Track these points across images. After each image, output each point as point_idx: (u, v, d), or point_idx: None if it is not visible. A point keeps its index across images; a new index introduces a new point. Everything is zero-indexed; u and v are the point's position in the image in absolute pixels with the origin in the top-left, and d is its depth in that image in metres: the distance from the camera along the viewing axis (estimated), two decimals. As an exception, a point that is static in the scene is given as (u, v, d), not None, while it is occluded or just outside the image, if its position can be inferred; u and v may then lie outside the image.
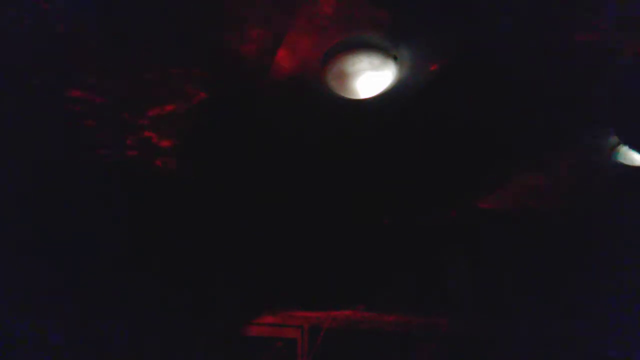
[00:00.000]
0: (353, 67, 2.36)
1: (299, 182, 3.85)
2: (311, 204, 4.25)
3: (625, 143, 2.62)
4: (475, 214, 4.43)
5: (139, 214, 3.94)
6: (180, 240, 4.04)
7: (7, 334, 3.20)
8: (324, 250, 4.49)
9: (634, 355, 4.21)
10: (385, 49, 2.32)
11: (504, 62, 2.44)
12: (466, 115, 2.93)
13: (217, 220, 4.25)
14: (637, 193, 3.90)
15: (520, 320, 4.66)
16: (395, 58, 2.37)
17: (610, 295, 4.48)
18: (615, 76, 2.51)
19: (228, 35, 2.23)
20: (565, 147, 3.28)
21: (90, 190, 3.73)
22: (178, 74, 2.51)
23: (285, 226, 4.48)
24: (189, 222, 4.15)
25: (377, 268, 4.59)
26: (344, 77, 2.43)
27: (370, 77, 2.41)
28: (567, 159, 3.42)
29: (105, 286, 3.61)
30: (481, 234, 4.81)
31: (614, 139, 2.80)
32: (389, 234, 4.73)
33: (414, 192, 4.04)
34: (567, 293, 4.67)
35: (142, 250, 3.85)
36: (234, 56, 2.38)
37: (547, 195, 4.02)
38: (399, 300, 4.45)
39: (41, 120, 2.91)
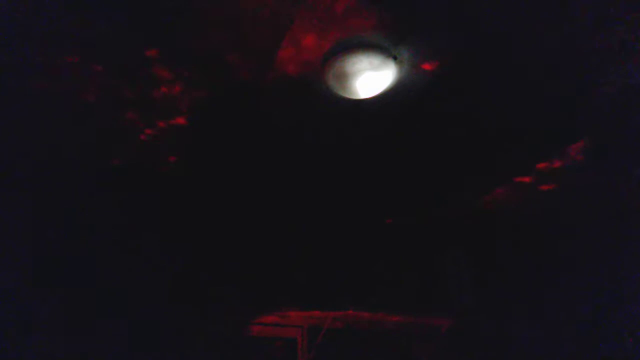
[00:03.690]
0: (353, 67, 2.36)
1: (299, 181, 3.86)
2: (311, 203, 4.26)
3: None
4: (475, 214, 4.43)
5: (140, 213, 3.95)
6: (180, 240, 4.05)
7: (7, 334, 3.20)
8: (324, 250, 4.49)
9: (634, 355, 4.21)
10: (385, 49, 2.32)
11: (504, 62, 2.44)
12: (466, 115, 2.93)
13: (218, 220, 4.26)
14: (636, 193, 3.91)
15: (521, 320, 4.67)
16: (395, 58, 2.37)
17: (610, 295, 4.48)
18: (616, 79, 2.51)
19: (229, 34, 2.23)
20: (564, 148, 3.28)
21: (90, 189, 3.73)
22: (179, 74, 2.51)
23: (285, 226, 4.48)
24: (190, 222, 4.15)
25: (377, 268, 4.59)
26: (344, 77, 2.43)
27: (370, 77, 2.42)
28: (567, 159, 3.42)
29: (106, 286, 3.61)
30: (481, 234, 4.82)
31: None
32: (389, 234, 4.73)
33: (413, 192, 4.04)
34: (567, 293, 4.67)
35: (142, 250, 3.85)
36: (235, 56, 2.38)
37: (547, 196, 4.02)
38: (399, 300, 4.45)
39: (42, 120, 2.91)
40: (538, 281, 4.80)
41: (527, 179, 3.76)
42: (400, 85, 2.61)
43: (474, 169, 3.64)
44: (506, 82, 2.60)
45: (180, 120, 2.96)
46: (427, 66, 2.46)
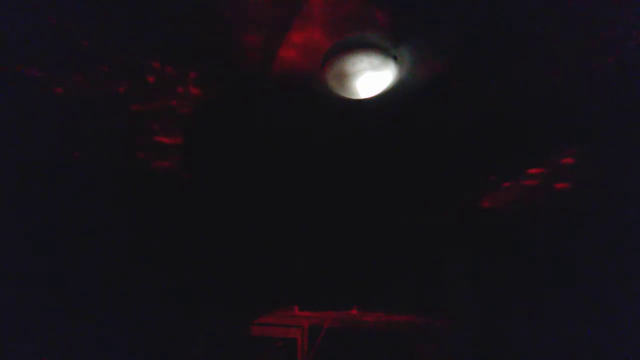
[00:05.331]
0: (353, 67, 2.36)
1: (299, 182, 3.85)
2: (311, 204, 4.25)
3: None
4: (475, 214, 4.43)
5: (140, 214, 3.94)
6: (180, 240, 4.04)
7: (8, 334, 3.20)
8: (324, 250, 4.49)
9: (634, 356, 4.21)
10: (385, 49, 2.32)
11: (504, 62, 2.44)
12: (466, 116, 2.93)
13: (217, 220, 4.25)
14: (636, 194, 3.91)
15: (520, 320, 4.67)
16: (395, 58, 2.37)
17: (610, 295, 4.48)
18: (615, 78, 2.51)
19: (229, 34, 2.23)
20: (564, 148, 3.28)
21: (90, 189, 3.73)
22: (179, 74, 2.51)
23: (286, 226, 4.48)
24: (190, 222, 4.15)
25: (377, 268, 4.59)
26: (344, 77, 2.43)
27: (370, 77, 2.42)
28: (568, 159, 3.42)
29: (106, 286, 3.61)
30: (481, 234, 4.81)
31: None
32: (389, 234, 4.73)
33: (414, 192, 4.04)
34: (567, 293, 4.67)
35: (142, 250, 3.85)
36: (235, 56, 2.38)
37: (547, 196, 4.02)
38: (398, 300, 4.45)
39: (41, 119, 2.91)
40: (538, 281, 4.80)
41: (527, 179, 3.76)
42: (400, 85, 2.61)
43: (474, 169, 3.63)
44: (507, 82, 2.60)
45: (179, 120, 2.96)
46: (427, 66, 2.46)
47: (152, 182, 3.74)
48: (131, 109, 2.81)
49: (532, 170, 3.61)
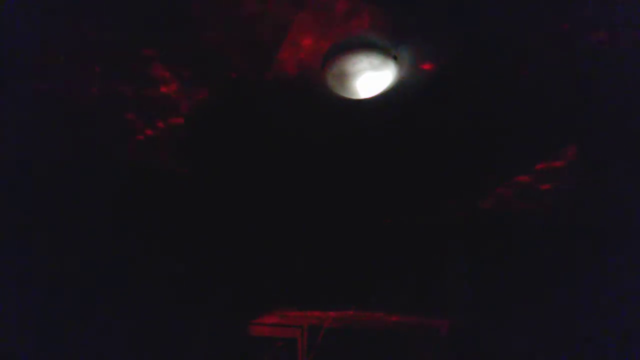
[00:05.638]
0: (353, 67, 2.36)
1: (299, 182, 3.86)
2: (311, 204, 4.26)
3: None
4: (475, 214, 4.43)
5: (140, 213, 3.94)
6: (180, 240, 4.04)
7: (8, 333, 3.20)
8: (323, 250, 4.49)
9: (633, 355, 4.21)
10: (385, 49, 2.32)
11: (503, 62, 2.44)
12: (466, 116, 2.93)
13: (217, 220, 4.25)
14: (636, 194, 3.91)
15: (520, 320, 4.67)
16: (395, 58, 2.37)
17: (609, 295, 4.48)
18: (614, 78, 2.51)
19: (230, 34, 2.23)
20: (564, 149, 3.28)
21: (90, 189, 3.73)
22: (179, 73, 2.51)
23: (286, 226, 4.48)
24: (189, 222, 4.15)
25: (376, 268, 4.59)
26: (344, 77, 2.43)
27: (370, 77, 2.42)
28: (566, 160, 3.42)
29: (106, 285, 3.61)
30: (481, 234, 4.82)
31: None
32: (389, 234, 4.73)
33: (414, 192, 4.04)
34: (567, 293, 4.67)
35: (142, 250, 3.85)
36: (235, 56, 2.38)
37: (547, 196, 4.02)
38: (398, 300, 4.45)
39: (42, 118, 2.91)
40: (538, 283, 4.80)
41: (527, 179, 3.76)
42: (400, 85, 2.61)
43: (474, 169, 3.63)
44: (506, 82, 2.60)
45: (180, 120, 2.96)
46: (427, 66, 2.46)
47: (152, 181, 3.74)
48: (131, 109, 2.81)
49: (532, 170, 3.61)
